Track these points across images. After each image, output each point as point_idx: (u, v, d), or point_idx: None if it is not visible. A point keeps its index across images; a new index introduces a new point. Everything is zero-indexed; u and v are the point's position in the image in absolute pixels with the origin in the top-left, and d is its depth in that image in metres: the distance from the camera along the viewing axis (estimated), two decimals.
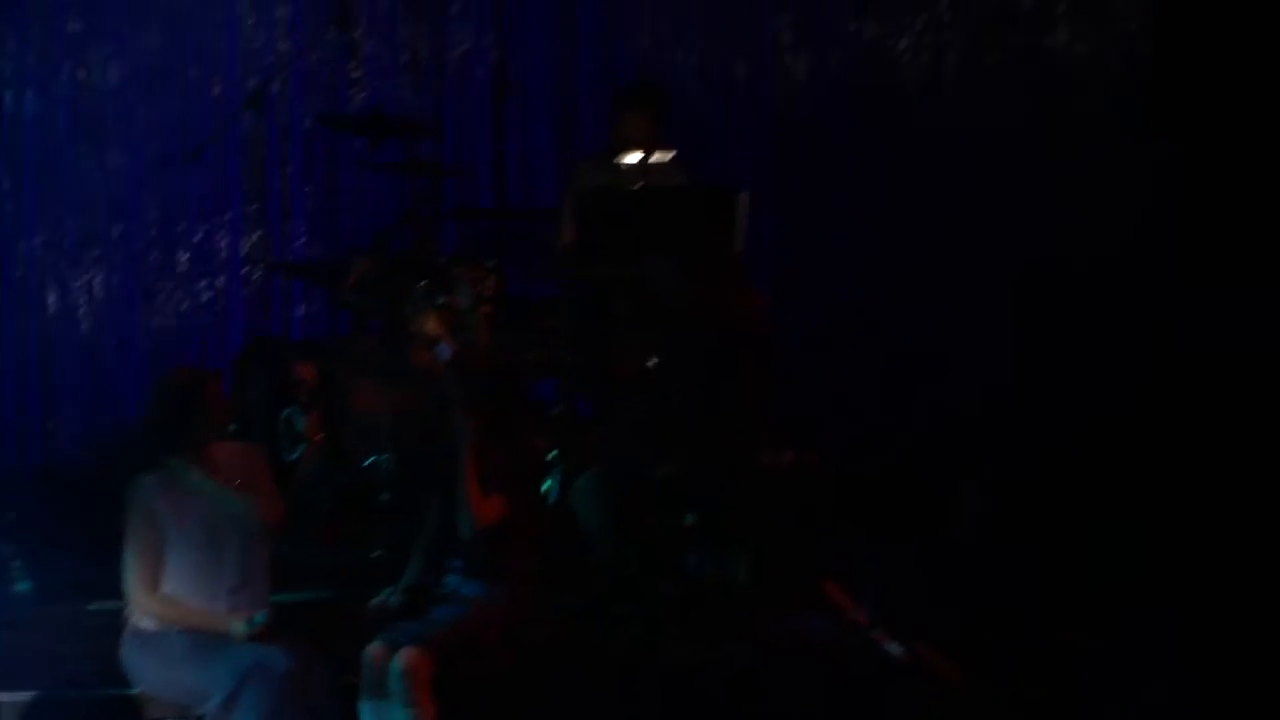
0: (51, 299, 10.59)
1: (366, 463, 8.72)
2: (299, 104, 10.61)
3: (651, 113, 9.22)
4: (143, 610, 6.54)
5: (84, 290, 10.60)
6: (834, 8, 10.45)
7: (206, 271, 10.65)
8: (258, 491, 6.71)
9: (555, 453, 8.27)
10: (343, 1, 10.43)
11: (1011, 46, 10.22)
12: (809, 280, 10.18)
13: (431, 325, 8.31)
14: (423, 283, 8.50)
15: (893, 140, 10.25)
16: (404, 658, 6.49)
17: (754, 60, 10.52)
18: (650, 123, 9.17)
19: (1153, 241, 9.59)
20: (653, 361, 7.62)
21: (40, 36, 10.45)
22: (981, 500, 7.26)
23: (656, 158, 8.89)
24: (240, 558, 6.60)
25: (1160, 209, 9.57)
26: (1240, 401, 8.99)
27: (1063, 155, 9.99)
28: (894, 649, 6.91)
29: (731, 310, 7.27)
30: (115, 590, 6.66)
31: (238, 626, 6.46)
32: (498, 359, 7.72)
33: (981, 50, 10.25)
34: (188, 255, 10.64)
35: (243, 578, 6.60)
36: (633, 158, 8.94)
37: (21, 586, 8.14)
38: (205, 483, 6.60)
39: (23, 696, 6.69)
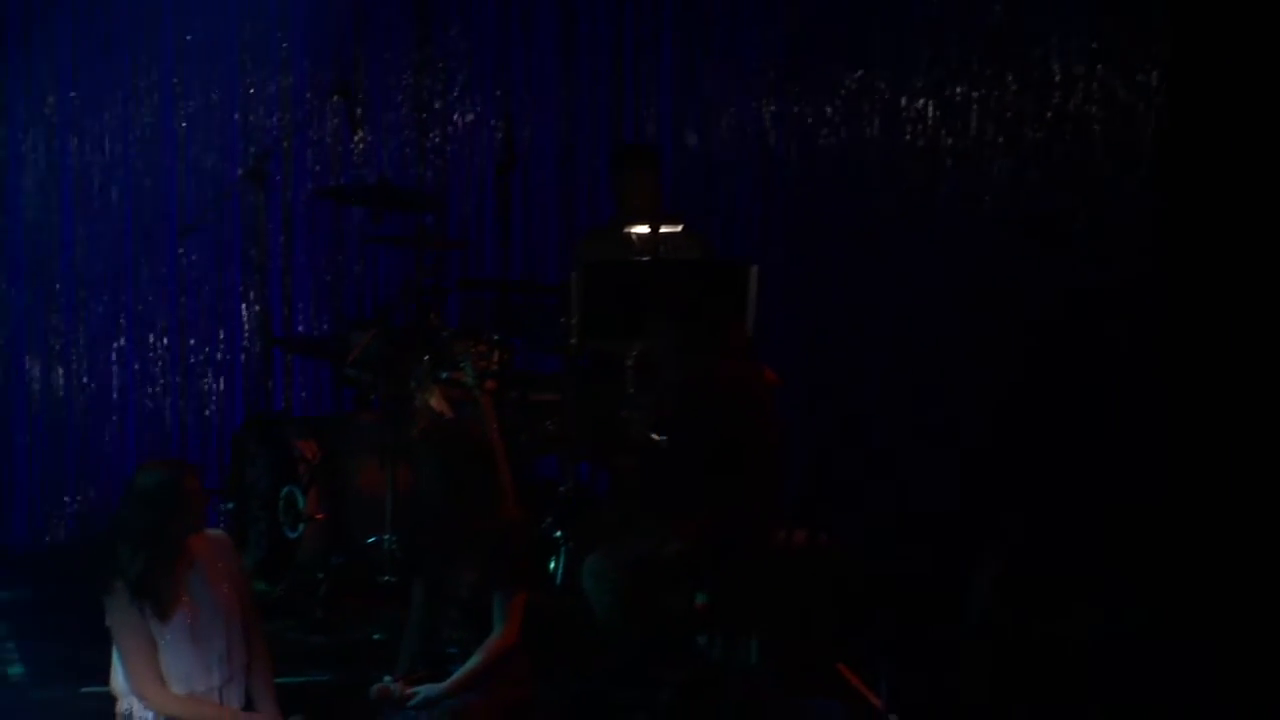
0: (55, 377, 10.45)
1: (368, 542, 8.56)
2: (300, 176, 10.49)
3: (651, 171, 9.09)
4: (161, 710, 6.35)
5: (80, 365, 10.45)
6: (848, 71, 10.25)
7: (206, 347, 10.50)
8: (232, 581, 6.51)
9: (560, 533, 8.11)
10: (345, 73, 10.32)
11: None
12: (825, 358, 10.01)
13: (435, 401, 8.18)
14: (426, 358, 8.35)
15: (904, 207, 10.07)
16: None
17: (762, 135, 10.36)
18: (650, 180, 9.04)
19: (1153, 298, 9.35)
20: (659, 437, 7.46)
21: (35, 106, 10.33)
22: (994, 587, 7.07)
23: (665, 229, 8.74)
24: (226, 648, 6.41)
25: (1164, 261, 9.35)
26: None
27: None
28: None
29: (740, 385, 7.09)
30: (109, 674, 6.50)
31: None
32: (475, 433, 7.57)
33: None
34: (187, 329, 10.49)
35: (230, 669, 6.42)
36: (641, 229, 8.79)
37: (14, 670, 7.99)
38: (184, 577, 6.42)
39: None
